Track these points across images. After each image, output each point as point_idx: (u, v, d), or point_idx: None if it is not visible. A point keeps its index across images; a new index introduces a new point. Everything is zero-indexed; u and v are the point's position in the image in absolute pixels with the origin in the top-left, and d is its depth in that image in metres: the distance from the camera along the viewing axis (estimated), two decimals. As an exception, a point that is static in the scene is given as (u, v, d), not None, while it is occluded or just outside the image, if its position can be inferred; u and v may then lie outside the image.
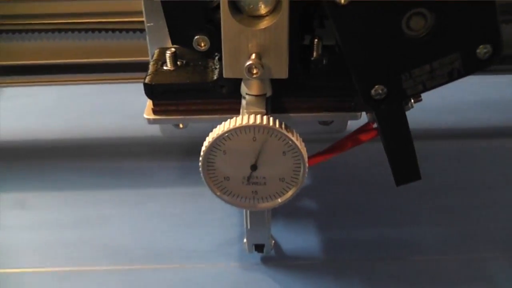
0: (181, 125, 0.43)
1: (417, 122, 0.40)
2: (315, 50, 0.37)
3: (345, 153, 0.41)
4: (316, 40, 0.37)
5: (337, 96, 0.38)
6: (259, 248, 0.42)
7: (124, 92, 0.63)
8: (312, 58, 0.37)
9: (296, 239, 0.46)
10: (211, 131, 0.34)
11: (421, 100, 0.40)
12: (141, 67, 0.44)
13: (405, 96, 0.33)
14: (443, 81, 0.32)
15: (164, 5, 0.35)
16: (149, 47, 0.46)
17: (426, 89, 0.32)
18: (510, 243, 0.46)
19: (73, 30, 0.51)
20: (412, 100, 0.39)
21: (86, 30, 0.51)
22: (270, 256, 0.44)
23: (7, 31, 0.50)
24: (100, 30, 0.51)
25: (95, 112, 0.64)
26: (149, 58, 0.44)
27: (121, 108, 0.63)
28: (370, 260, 0.45)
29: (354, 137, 0.42)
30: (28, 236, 0.48)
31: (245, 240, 0.42)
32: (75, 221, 0.49)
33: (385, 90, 0.32)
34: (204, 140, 0.34)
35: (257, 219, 0.39)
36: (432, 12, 0.30)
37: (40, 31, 0.50)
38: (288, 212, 0.48)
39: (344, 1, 0.29)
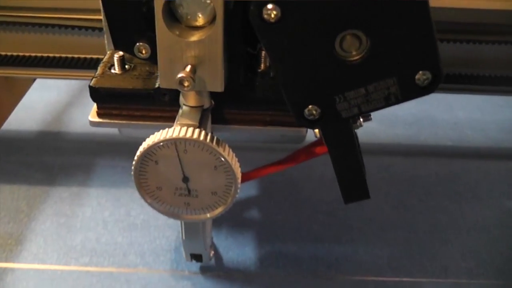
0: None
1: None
2: (262, 62, 0.36)
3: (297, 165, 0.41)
4: (263, 52, 0.36)
5: (282, 110, 0.37)
6: (197, 257, 0.42)
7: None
8: (259, 70, 0.37)
9: (237, 250, 0.46)
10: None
11: (370, 119, 0.39)
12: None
13: (341, 118, 0.32)
14: (379, 105, 0.31)
15: (106, 10, 0.34)
16: (106, 46, 0.45)
17: (361, 112, 0.31)
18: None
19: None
20: (361, 119, 0.38)
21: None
22: (209, 265, 0.43)
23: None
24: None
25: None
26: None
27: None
28: (305, 277, 0.44)
29: (309, 150, 0.41)
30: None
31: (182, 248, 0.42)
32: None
33: (318, 110, 0.31)
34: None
35: (193, 230, 0.39)
36: (367, 35, 0.29)
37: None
38: (232, 222, 0.47)
39: (273, 19, 0.28)
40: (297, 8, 0.28)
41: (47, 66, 0.51)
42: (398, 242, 0.47)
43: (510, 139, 0.59)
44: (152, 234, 0.46)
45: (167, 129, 0.33)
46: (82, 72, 0.52)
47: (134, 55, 0.35)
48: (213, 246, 0.43)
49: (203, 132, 0.32)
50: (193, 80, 0.31)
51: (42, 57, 0.51)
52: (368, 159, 0.37)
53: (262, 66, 0.36)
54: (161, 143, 0.32)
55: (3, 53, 0.51)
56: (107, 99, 0.38)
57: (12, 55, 0.51)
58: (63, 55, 0.51)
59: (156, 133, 0.33)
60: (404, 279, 0.44)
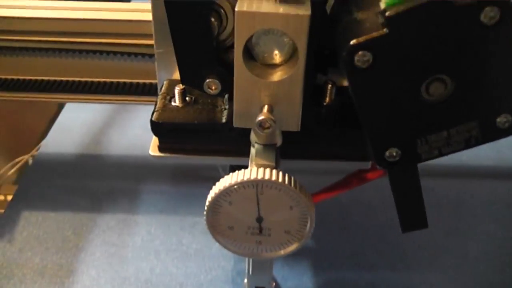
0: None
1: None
2: (327, 95, 0.36)
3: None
4: (329, 85, 0.36)
5: (348, 144, 0.37)
6: (259, 290, 0.42)
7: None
8: (324, 103, 0.36)
9: (295, 279, 0.45)
10: (218, 180, 0.33)
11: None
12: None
13: (420, 160, 0.31)
14: (459, 148, 0.31)
15: (176, 45, 0.34)
16: (157, 74, 0.45)
17: (441, 154, 0.31)
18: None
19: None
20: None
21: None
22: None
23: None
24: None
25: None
26: (158, 86, 0.43)
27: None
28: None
29: (361, 176, 0.41)
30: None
31: (245, 281, 0.42)
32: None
33: (399, 153, 0.31)
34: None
35: (260, 265, 0.39)
36: (453, 79, 0.29)
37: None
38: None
39: (364, 64, 0.28)
40: (388, 54, 0.28)
41: (76, 92, 0.51)
42: (451, 268, 0.47)
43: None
44: (207, 264, 0.46)
45: (243, 170, 0.32)
46: (109, 97, 0.51)
47: (203, 91, 0.35)
48: (273, 278, 0.43)
49: (280, 173, 0.32)
50: (274, 121, 0.31)
51: (69, 81, 0.51)
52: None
53: (328, 99, 0.36)
54: (238, 185, 0.32)
55: (33, 78, 0.51)
56: (171, 134, 0.37)
57: (42, 80, 0.50)
58: (90, 80, 0.51)
59: (231, 174, 0.32)
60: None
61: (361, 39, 0.27)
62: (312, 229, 0.34)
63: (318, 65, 0.35)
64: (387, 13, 0.27)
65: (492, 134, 0.31)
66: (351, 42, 0.27)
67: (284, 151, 0.37)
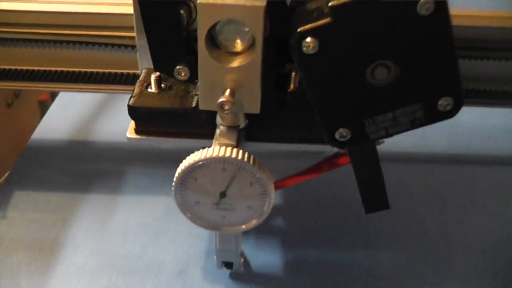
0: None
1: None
2: (292, 82, 0.39)
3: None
4: (293, 73, 0.38)
5: (311, 128, 0.40)
6: (228, 265, 0.44)
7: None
8: (289, 90, 0.39)
9: (265, 257, 0.48)
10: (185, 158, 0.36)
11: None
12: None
13: (368, 140, 0.34)
14: (405, 128, 0.34)
15: (148, 36, 0.37)
16: (139, 64, 0.47)
17: (388, 134, 0.34)
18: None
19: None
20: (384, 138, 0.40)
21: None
22: (239, 272, 0.46)
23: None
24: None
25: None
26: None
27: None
28: (336, 282, 0.47)
29: (332, 161, 0.44)
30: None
31: (215, 256, 0.44)
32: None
33: (348, 133, 0.34)
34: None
35: (226, 240, 0.41)
36: (396, 65, 0.31)
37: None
38: (259, 230, 0.50)
39: (311, 50, 0.30)
40: (333, 41, 0.30)
41: (67, 81, 0.54)
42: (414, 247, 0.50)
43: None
44: (190, 241, 0.49)
45: (207, 148, 0.35)
46: (100, 86, 0.54)
47: (173, 77, 0.38)
48: (242, 254, 0.46)
49: (240, 152, 0.35)
50: (233, 103, 0.34)
51: (63, 71, 0.54)
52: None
53: (292, 86, 0.39)
54: (201, 162, 0.35)
55: (24, 68, 0.54)
56: (145, 118, 0.40)
57: (37, 70, 0.53)
58: (82, 70, 0.54)
59: (196, 152, 0.35)
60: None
61: (307, 26, 0.30)
62: (271, 205, 0.36)
63: (284, 54, 0.38)
64: (330, 3, 0.29)
65: (435, 116, 0.33)
66: (298, 30, 0.30)
67: (252, 134, 0.40)
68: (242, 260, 0.46)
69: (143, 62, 0.47)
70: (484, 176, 0.59)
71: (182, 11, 0.36)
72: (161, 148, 0.59)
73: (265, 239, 0.50)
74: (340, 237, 0.51)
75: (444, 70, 0.32)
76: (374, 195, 0.40)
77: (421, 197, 0.56)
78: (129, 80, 0.53)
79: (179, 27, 0.36)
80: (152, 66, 0.44)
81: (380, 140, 0.40)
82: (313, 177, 0.44)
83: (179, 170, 0.36)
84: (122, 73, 0.53)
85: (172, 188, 0.36)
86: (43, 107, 0.68)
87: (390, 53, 0.31)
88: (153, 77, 0.41)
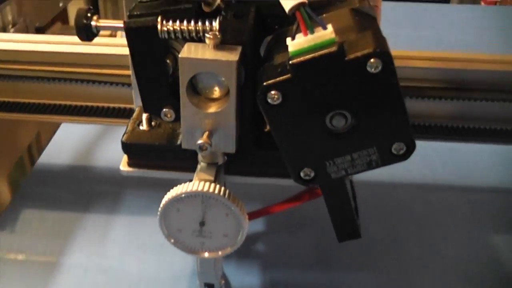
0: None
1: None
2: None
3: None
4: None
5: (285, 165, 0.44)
6: (209, 286, 0.49)
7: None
8: (265, 130, 0.43)
9: (246, 279, 0.52)
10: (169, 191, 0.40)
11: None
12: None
13: (330, 179, 0.38)
14: (362, 169, 0.38)
15: (138, 80, 0.41)
16: (134, 100, 0.52)
17: (348, 174, 0.38)
18: None
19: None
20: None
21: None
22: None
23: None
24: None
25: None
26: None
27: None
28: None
29: (312, 191, 0.48)
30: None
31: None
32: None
33: (312, 172, 0.38)
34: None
35: (206, 263, 0.46)
36: (351, 114, 0.35)
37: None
38: (241, 253, 0.54)
39: (275, 101, 0.35)
40: (294, 94, 0.34)
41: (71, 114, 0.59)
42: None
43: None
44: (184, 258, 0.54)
45: (188, 183, 0.39)
46: (101, 119, 0.59)
47: (160, 118, 0.42)
48: (224, 276, 0.50)
49: (217, 186, 0.39)
50: (210, 145, 0.38)
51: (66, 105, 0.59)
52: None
53: (267, 127, 0.43)
54: (183, 195, 0.39)
55: (36, 102, 0.59)
56: (137, 153, 0.45)
57: (40, 103, 0.59)
58: (84, 104, 0.59)
59: (178, 186, 0.40)
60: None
61: (271, 81, 0.34)
62: (244, 235, 0.40)
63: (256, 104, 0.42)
64: (290, 61, 0.34)
65: (389, 159, 0.37)
66: (264, 83, 0.34)
67: (231, 169, 0.44)
68: (223, 282, 0.50)
69: (137, 99, 0.52)
70: (462, 202, 0.63)
71: (168, 61, 0.40)
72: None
73: (248, 261, 0.54)
74: (324, 259, 0.55)
75: (394, 119, 0.36)
76: (345, 225, 0.45)
77: (400, 222, 0.60)
78: (126, 113, 0.57)
79: (165, 74, 0.40)
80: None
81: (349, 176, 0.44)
82: (294, 206, 0.48)
83: (163, 201, 0.40)
84: (119, 107, 0.58)
85: (157, 217, 0.41)
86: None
87: (345, 104, 0.35)
88: (144, 116, 0.45)
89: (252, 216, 0.45)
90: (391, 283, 0.54)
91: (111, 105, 0.58)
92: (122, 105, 0.58)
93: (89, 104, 0.59)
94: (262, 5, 0.40)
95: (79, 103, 0.59)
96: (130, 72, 0.51)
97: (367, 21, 0.37)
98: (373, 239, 0.57)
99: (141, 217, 0.60)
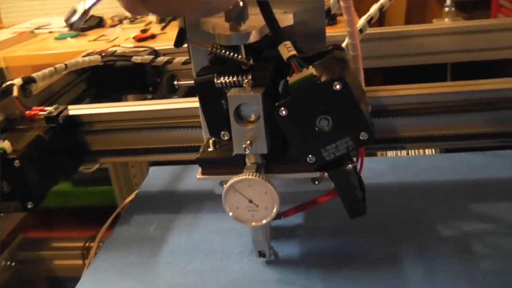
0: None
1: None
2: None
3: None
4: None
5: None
6: (262, 254, 0.71)
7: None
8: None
9: (288, 249, 0.75)
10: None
11: (356, 164, 0.68)
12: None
13: (325, 161, 0.61)
14: (344, 151, 0.60)
15: (205, 115, 0.66)
16: (204, 136, 0.77)
17: (336, 156, 0.60)
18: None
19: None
20: (350, 165, 0.66)
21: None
22: (270, 260, 0.73)
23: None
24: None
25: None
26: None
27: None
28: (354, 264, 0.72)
29: (323, 197, 0.69)
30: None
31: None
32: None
33: (313, 157, 0.61)
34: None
35: (257, 232, 0.68)
36: (331, 118, 0.59)
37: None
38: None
39: (284, 114, 0.59)
40: (295, 108, 0.58)
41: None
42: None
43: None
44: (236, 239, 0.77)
45: (239, 174, 0.63)
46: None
47: (220, 138, 0.67)
48: (272, 249, 0.72)
49: (257, 173, 0.63)
50: (250, 147, 0.62)
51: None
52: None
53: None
54: (237, 182, 0.63)
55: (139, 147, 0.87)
56: (207, 164, 0.69)
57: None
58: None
59: (235, 176, 0.63)
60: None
61: (280, 102, 0.58)
62: (278, 207, 0.63)
63: None
64: (289, 88, 0.58)
65: (359, 143, 0.59)
66: (276, 104, 0.59)
67: (267, 169, 0.67)
68: (272, 252, 0.72)
69: (205, 133, 0.77)
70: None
71: (222, 101, 0.65)
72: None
73: (290, 236, 0.76)
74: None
75: (356, 118, 0.58)
76: (353, 205, 0.66)
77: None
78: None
79: (221, 109, 0.65)
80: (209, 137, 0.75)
81: (349, 166, 0.66)
82: (312, 207, 0.70)
83: (225, 187, 0.64)
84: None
85: (222, 198, 0.64)
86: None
87: (325, 111, 0.58)
88: (211, 141, 0.70)
89: (288, 213, 0.68)
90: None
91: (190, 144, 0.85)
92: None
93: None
94: (278, 61, 0.64)
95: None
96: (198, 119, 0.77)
97: (340, 63, 0.61)
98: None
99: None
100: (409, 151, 1.20)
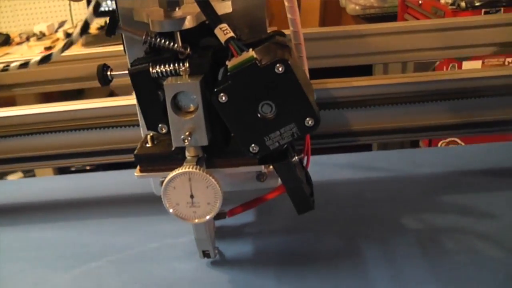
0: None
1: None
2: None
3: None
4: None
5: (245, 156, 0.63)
6: (206, 254, 0.67)
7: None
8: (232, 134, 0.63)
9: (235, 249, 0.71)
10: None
11: (302, 156, 0.65)
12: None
13: (269, 150, 0.57)
14: (289, 139, 0.57)
15: (141, 107, 0.62)
16: (142, 133, 0.73)
17: (280, 145, 0.57)
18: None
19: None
20: (296, 157, 0.63)
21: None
22: (216, 260, 0.68)
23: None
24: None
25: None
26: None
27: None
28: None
29: (270, 193, 0.66)
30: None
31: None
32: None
33: (256, 147, 0.57)
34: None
35: (201, 230, 0.64)
36: (273, 103, 0.56)
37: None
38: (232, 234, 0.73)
39: (223, 101, 0.55)
40: (234, 93, 0.55)
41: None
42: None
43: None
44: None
45: (178, 168, 0.59)
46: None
47: (158, 132, 0.63)
48: (217, 248, 0.68)
49: (197, 166, 0.59)
50: (190, 138, 0.58)
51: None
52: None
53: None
54: (176, 176, 0.59)
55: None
56: (145, 161, 0.65)
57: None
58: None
59: (172, 171, 0.59)
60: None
61: (219, 88, 0.55)
62: (220, 202, 0.59)
63: None
64: (228, 73, 0.55)
65: (305, 130, 0.56)
66: (215, 89, 0.55)
67: (208, 163, 0.63)
68: (217, 251, 0.68)
69: (143, 130, 0.73)
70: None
71: (159, 92, 0.61)
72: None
73: (235, 234, 0.73)
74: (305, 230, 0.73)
75: (301, 102, 0.55)
76: (301, 200, 0.63)
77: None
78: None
79: (158, 101, 0.61)
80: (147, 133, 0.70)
81: (294, 158, 0.63)
82: (256, 206, 0.67)
83: (164, 182, 0.59)
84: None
85: (161, 195, 0.60)
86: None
87: (268, 96, 0.55)
88: (148, 136, 0.66)
89: (234, 211, 0.64)
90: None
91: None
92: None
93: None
94: (217, 49, 0.61)
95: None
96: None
97: (281, 47, 0.59)
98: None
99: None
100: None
